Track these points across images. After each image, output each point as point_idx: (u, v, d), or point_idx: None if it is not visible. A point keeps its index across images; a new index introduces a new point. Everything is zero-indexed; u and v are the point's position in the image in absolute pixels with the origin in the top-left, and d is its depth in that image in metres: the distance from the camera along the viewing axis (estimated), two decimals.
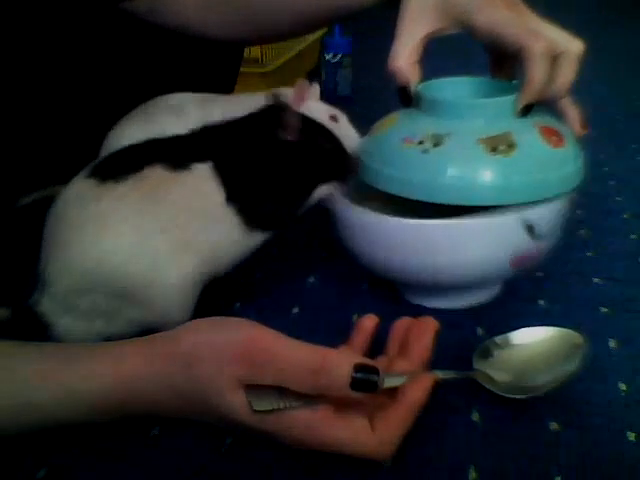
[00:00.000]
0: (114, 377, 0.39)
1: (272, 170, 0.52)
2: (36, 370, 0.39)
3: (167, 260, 0.47)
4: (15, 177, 0.64)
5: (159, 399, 0.39)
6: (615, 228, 0.70)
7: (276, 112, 0.52)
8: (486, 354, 0.45)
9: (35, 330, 0.47)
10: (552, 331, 0.46)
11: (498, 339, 0.46)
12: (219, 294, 0.54)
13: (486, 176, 0.48)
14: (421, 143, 0.49)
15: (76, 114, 0.68)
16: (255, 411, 0.36)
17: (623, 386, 0.45)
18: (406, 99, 0.54)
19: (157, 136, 0.52)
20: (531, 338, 0.46)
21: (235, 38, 0.69)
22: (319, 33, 1.40)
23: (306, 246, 0.57)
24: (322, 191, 0.54)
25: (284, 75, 1.20)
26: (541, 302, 0.56)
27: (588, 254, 0.64)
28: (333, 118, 0.63)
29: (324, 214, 0.55)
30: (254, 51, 1.10)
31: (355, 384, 0.35)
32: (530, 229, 0.49)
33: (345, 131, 0.62)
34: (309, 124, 0.54)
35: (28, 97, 0.65)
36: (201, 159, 0.50)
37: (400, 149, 0.50)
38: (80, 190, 0.48)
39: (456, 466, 0.39)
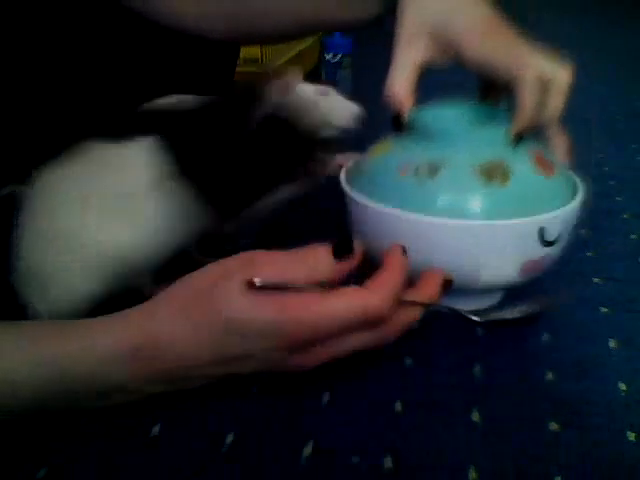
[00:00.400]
0: (123, 334, 0.40)
1: (231, 156, 0.54)
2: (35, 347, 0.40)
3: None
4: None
5: (168, 330, 0.40)
6: (615, 228, 0.70)
7: (245, 101, 0.53)
8: None
9: (14, 307, 0.48)
10: None
11: None
12: None
13: (482, 206, 0.47)
14: (416, 172, 0.49)
15: (65, 112, 0.68)
16: (257, 287, 0.38)
17: (623, 386, 0.45)
18: (399, 126, 0.54)
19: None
20: None
21: (229, 36, 0.69)
22: (319, 33, 1.40)
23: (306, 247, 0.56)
24: (284, 194, 0.56)
25: None
26: None
27: (588, 254, 0.64)
28: (322, 93, 0.62)
29: (324, 214, 0.55)
30: (254, 51, 1.10)
31: (336, 250, 0.41)
32: (542, 235, 0.48)
33: (336, 103, 0.61)
34: (274, 120, 0.54)
35: (18, 94, 0.65)
36: (147, 134, 0.51)
37: (396, 179, 0.50)
38: (42, 180, 0.51)
39: (456, 466, 0.39)
